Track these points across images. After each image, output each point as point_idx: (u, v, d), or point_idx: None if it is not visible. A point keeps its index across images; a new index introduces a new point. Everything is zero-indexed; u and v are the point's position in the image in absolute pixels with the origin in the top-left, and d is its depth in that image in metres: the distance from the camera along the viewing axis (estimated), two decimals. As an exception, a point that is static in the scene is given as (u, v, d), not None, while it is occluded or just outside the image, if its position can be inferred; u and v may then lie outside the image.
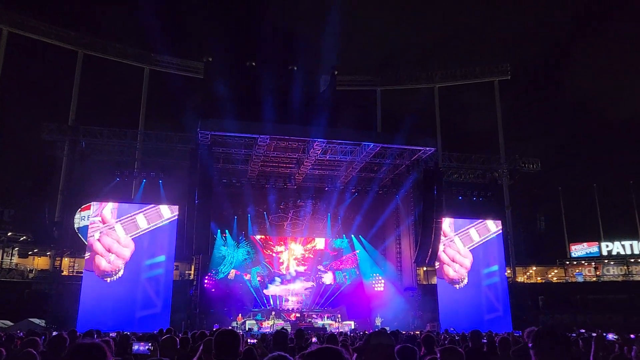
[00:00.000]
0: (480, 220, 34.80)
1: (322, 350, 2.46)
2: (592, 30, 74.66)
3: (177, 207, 29.96)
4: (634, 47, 69.07)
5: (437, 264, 32.98)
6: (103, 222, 29.11)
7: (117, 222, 29.16)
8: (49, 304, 28.70)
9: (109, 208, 29.57)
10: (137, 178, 34.41)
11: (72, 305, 27.66)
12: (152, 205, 30.23)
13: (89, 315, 27.00)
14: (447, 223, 33.58)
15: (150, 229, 29.57)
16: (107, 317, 27.11)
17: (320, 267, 36.97)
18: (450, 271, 33.34)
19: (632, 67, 67.47)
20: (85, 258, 29.19)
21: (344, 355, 2.43)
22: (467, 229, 34.52)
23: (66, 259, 34.35)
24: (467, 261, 33.75)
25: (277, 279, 35.89)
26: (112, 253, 28.53)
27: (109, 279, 28.22)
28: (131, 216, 29.55)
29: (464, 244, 34.08)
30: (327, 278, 36.91)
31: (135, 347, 8.37)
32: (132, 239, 29.15)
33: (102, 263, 28.32)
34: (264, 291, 35.16)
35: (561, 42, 77.34)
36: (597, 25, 72.99)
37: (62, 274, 32.68)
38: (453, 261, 33.51)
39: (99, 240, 28.72)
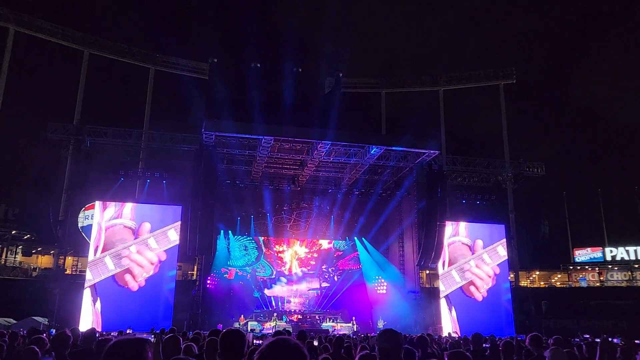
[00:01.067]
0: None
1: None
2: (598, 35, 74.54)
3: (180, 208, 29.97)
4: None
5: (460, 280, 32.75)
6: (137, 235, 29.18)
7: (150, 236, 29.26)
8: (51, 303, 28.78)
9: (128, 208, 29.59)
10: (141, 178, 34.50)
11: (75, 304, 27.72)
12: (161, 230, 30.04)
13: (93, 314, 27.13)
14: (462, 230, 33.43)
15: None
16: (109, 316, 27.25)
17: (324, 268, 36.94)
18: (476, 292, 33.19)
19: (638, 72, 67.33)
20: (117, 273, 28.79)
21: (302, 351, 2.30)
22: (495, 246, 34.39)
23: (69, 258, 34.42)
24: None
25: (283, 279, 35.86)
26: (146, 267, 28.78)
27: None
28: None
29: (492, 260, 33.97)
30: (330, 279, 36.91)
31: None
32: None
33: (138, 278, 28.52)
34: (267, 292, 35.17)
35: (567, 47, 77.28)
36: (603, 30, 72.89)
37: (65, 272, 32.76)
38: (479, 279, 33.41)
39: (139, 252, 28.88)
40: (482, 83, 45.92)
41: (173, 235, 29.63)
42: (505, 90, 46.08)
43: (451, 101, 47.82)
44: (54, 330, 13.22)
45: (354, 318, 33.66)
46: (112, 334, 14.04)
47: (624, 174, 56.87)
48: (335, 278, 36.95)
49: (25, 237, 37.95)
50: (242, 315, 32.20)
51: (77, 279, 30.69)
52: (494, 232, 35.10)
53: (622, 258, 45.39)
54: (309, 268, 36.65)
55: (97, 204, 30.23)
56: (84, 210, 35.65)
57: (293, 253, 36.77)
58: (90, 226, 31.33)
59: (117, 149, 34.73)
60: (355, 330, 31.21)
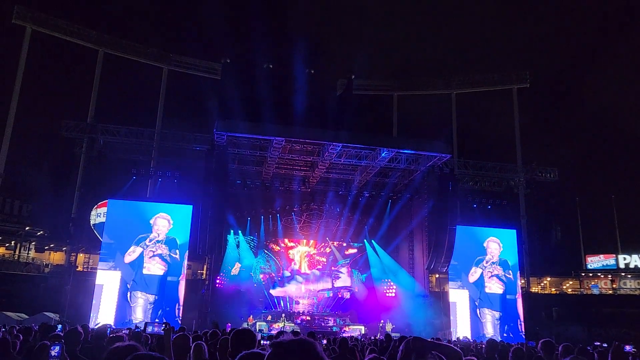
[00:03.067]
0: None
1: (294, 342, 2.28)
2: (614, 40, 73.74)
3: (191, 207, 30.12)
4: (656, 57, 68.04)
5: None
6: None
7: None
8: (63, 299, 29.08)
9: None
10: (153, 177, 34.74)
11: (86, 301, 27.99)
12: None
13: (103, 310, 27.39)
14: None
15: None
16: (118, 313, 27.48)
17: (334, 269, 36.97)
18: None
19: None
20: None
21: (316, 349, 2.26)
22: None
23: (81, 255, 34.78)
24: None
25: (299, 278, 35.91)
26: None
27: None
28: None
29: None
30: (342, 280, 36.89)
31: (150, 328, 9.74)
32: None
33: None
34: (275, 292, 35.19)
35: (582, 52, 76.48)
36: (619, 35, 72.05)
37: (77, 269, 33.10)
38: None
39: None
40: (495, 87, 45.62)
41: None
42: (519, 94, 45.73)
43: (463, 104, 47.58)
44: (62, 325, 13.34)
45: (353, 319, 33.77)
46: (123, 330, 14.13)
47: (638, 181, 56.22)
48: (346, 278, 36.96)
49: (39, 234, 38.44)
50: (251, 316, 32.27)
51: (89, 276, 30.97)
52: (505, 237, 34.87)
53: (636, 266, 44.84)
54: (320, 267, 36.70)
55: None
56: (96, 208, 35.97)
57: (303, 253, 36.80)
58: (102, 224, 31.61)
59: (130, 148, 35.05)
60: (363, 332, 31.12)
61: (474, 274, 33.23)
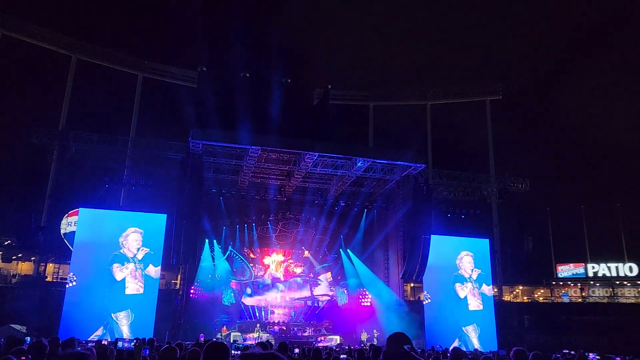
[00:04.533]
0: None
1: (262, 356, 2.33)
2: (585, 54, 76.00)
3: (165, 216, 29.74)
4: (624, 73, 70.43)
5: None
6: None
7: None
8: (31, 310, 28.24)
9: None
10: (126, 185, 34.21)
11: (55, 312, 27.25)
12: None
13: (71, 322, 26.70)
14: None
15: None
16: (89, 325, 26.85)
17: (312, 276, 36.88)
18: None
19: (622, 93, 68.84)
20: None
21: None
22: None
23: (51, 265, 33.94)
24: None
25: (274, 286, 35.65)
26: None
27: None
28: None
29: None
30: (322, 287, 36.80)
31: (120, 344, 9.29)
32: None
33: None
34: (250, 301, 34.84)
35: (554, 65, 78.63)
36: (590, 49, 74.37)
37: (46, 279, 32.26)
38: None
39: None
40: (469, 98, 46.49)
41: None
42: (492, 105, 46.70)
43: (438, 115, 48.37)
44: (29, 338, 12.97)
45: (328, 328, 33.70)
46: (89, 344, 13.83)
47: (607, 192, 57.80)
48: (324, 287, 36.92)
49: (6, 243, 37.32)
50: (225, 326, 31.89)
51: (59, 286, 30.21)
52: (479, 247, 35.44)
53: (604, 274, 45.92)
54: (299, 274, 36.59)
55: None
56: (67, 217, 35.21)
57: (278, 262, 36.62)
58: (73, 233, 30.91)
59: (103, 156, 34.49)
60: (339, 342, 31.08)
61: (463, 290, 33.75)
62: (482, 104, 46.68)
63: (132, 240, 28.99)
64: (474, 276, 34.38)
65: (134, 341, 7.74)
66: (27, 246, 35.29)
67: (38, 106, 43.51)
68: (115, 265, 28.35)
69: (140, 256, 28.94)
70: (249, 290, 35.22)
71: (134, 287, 28.46)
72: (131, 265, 28.62)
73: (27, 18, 37.86)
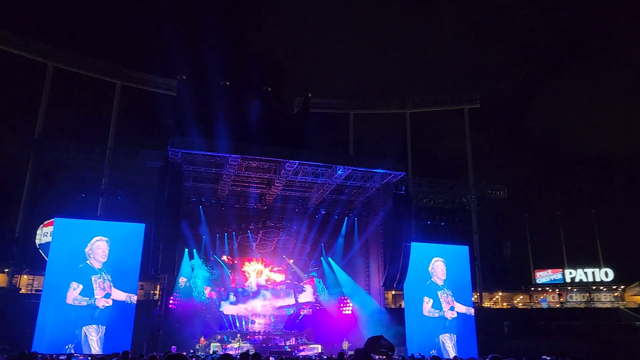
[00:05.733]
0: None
1: None
2: (560, 65, 77.75)
3: (144, 225, 29.34)
4: (599, 85, 72.28)
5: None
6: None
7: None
8: (4, 323, 27.52)
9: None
10: (103, 194, 33.68)
11: (29, 325, 26.56)
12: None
13: (46, 335, 26.07)
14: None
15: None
16: (61, 338, 26.26)
17: (296, 283, 36.70)
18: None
19: (597, 104, 70.59)
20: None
21: None
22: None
23: (25, 277, 33.16)
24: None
25: (259, 294, 35.36)
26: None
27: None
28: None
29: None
30: (306, 295, 36.61)
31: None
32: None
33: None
34: (230, 310, 34.42)
35: (530, 75, 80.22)
36: (565, 61, 76.10)
37: (20, 292, 31.49)
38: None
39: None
40: (447, 107, 47.06)
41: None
42: (470, 114, 47.35)
43: (418, 124, 48.89)
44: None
45: (309, 337, 33.52)
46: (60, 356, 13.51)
47: (582, 198, 58.98)
48: (309, 293, 36.79)
49: (-22, 255, 36.37)
50: (203, 337, 31.39)
51: (33, 299, 29.47)
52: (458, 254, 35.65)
53: (581, 280, 46.69)
54: (281, 281, 36.40)
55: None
56: (42, 227, 34.49)
57: (259, 271, 36.36)
58: (48, 244, 30.23)
59: (80, 165, 33.89)
60: (319, 351, 30.91)
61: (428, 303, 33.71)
62: (461, 113, 47.30)
63: (97, 249, 28.36)
64: (441, 282, 34.39)
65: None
66: (0, 257, 34.43)
67: (13, 115, 42.73)
68: (73, 283, 27.42)
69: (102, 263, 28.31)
70: (232, 298, 34.84)
71: (101, 301, 27.82)
72: (97, 278, 27.94)
73: (1, 26, 37.21)
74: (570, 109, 73.17)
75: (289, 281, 36.72)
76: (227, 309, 34.45)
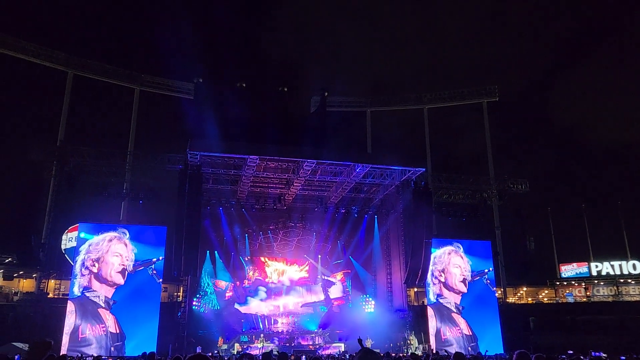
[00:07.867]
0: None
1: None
2: (580, 55, 76.26)
3: (165, 229, 29.67)
4: (620, 74, 70.65)
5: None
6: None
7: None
8: (33, 328, 28.08)
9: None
10: (125, 199, 34.12)
11: (58, 329, 27.08)
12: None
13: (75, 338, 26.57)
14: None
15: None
16: (94, 341, 26.73)
17: (326, 277, 36.75)
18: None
19: (619, 93, 68.97)
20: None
21: None
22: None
23: (52, 281, 33.77)
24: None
25: (290, 291, 35.61)
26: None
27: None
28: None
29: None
30: (335, 290, 36.63)
31: None
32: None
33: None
34: (254, 310, 34.56)
35: (550, 67, 78.86)
36: (585, 51, 74.62)
37: (48, 296, 32.10)
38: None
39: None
40: (465, 101, 46.56)
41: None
42: (489, 108, 46.76)
43: (436, 119, 48.44)
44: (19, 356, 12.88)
45: (332, 336, 33.53)
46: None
47: (607, 190, 57.72)
48: (339, 289, 36.87)
49: (7, 261, 37.19)
50: (221, 338, 31.39)
51: (60, 303, 30.03)
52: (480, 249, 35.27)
53: (608, 273, 45.72)
54: (307, 279, 36.47)
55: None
56: (67, 233, 35.11)
57: (282, 271, 36.46)
58: (73, 248, 30.80)
59: (101, 170, 34.33)
60: (343, 350, 30.86)
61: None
62: (480, 107, 46.74)
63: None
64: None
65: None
66: (28, 263, 35.16)
67: (35, 123, 43.60)
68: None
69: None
70: (263, 295, 34.97)
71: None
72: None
73: (22, 36, 38.01)
74: (591, 99, 71.66)
75: (319, 277, 36.76)
76: (253, 306, 34.55)
